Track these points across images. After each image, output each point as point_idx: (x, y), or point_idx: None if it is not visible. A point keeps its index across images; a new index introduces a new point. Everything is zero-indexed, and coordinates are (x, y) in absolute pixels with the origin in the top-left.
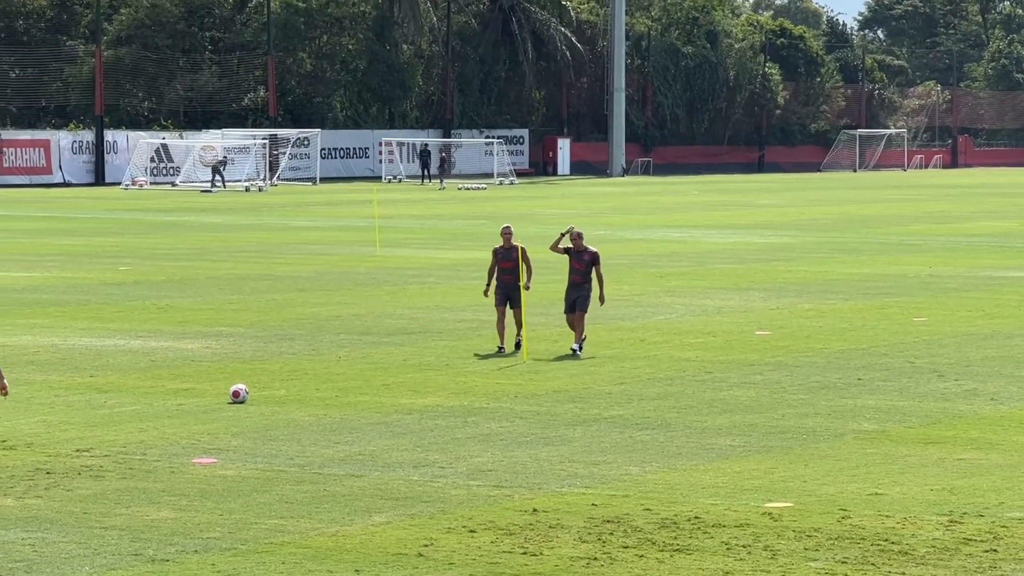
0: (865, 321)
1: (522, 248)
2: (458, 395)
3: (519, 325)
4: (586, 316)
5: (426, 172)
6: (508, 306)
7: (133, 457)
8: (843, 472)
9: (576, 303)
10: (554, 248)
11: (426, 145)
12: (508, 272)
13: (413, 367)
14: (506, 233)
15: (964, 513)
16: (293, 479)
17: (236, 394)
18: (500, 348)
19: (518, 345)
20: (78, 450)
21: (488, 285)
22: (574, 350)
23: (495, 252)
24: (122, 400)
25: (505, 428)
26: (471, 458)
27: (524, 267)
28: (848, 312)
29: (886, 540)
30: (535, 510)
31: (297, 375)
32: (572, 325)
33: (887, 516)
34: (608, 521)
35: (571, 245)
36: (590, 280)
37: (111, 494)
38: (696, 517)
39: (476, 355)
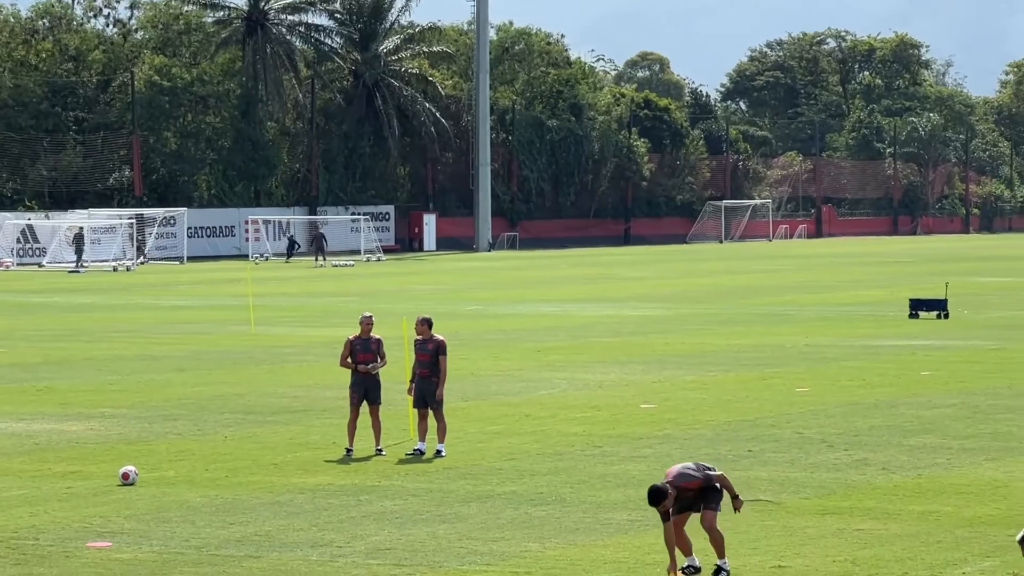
0: (748, 392)
1: (379, 340)
2: (348, 473)
3: (377, 429)
4: (443, 410)
5: (291, 253)
6: (365, 403)
7: (25, 542)
8: (743, 545)
9: (427, 399)
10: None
11: (292, 236)
12: (366, 365)
13: (300, 446)
14: (366, 323)
15: None
16: (191, 561)
17: (126, 476)
18: (348, 451)
19: (380, 452)
20: None
21: (353, 379)
22: (438, 451)
23: (350, 343)
24: (8, 484)
25: (399, 506)
26: (368, 537)
27: (380, 362)
28: (731, 384)
29: None
30: None
31: (185, 456)
32: (420, 420)
33: None
34: None
35: (417, 335)
36: (439, 372)
37: None
38: None
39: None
